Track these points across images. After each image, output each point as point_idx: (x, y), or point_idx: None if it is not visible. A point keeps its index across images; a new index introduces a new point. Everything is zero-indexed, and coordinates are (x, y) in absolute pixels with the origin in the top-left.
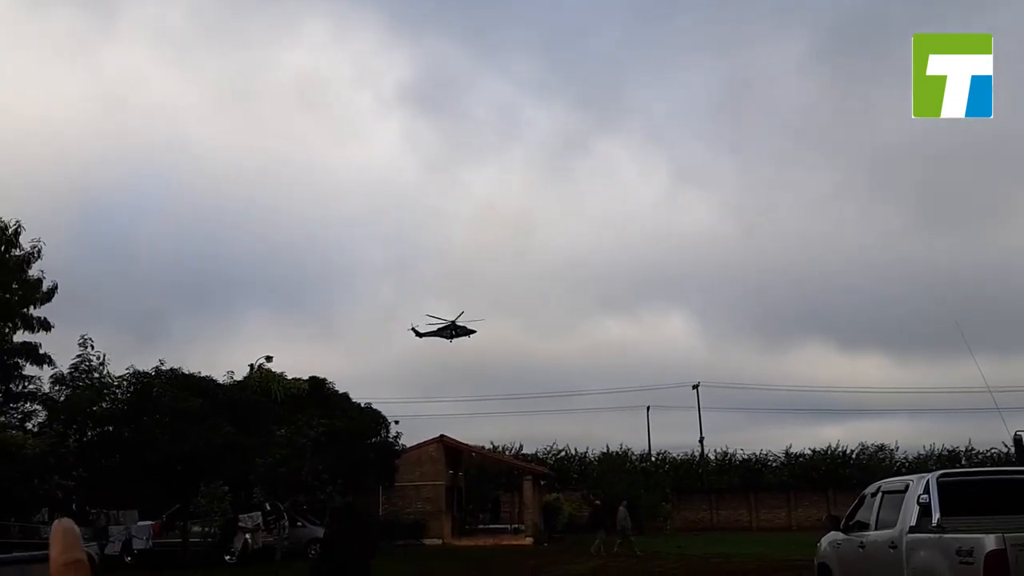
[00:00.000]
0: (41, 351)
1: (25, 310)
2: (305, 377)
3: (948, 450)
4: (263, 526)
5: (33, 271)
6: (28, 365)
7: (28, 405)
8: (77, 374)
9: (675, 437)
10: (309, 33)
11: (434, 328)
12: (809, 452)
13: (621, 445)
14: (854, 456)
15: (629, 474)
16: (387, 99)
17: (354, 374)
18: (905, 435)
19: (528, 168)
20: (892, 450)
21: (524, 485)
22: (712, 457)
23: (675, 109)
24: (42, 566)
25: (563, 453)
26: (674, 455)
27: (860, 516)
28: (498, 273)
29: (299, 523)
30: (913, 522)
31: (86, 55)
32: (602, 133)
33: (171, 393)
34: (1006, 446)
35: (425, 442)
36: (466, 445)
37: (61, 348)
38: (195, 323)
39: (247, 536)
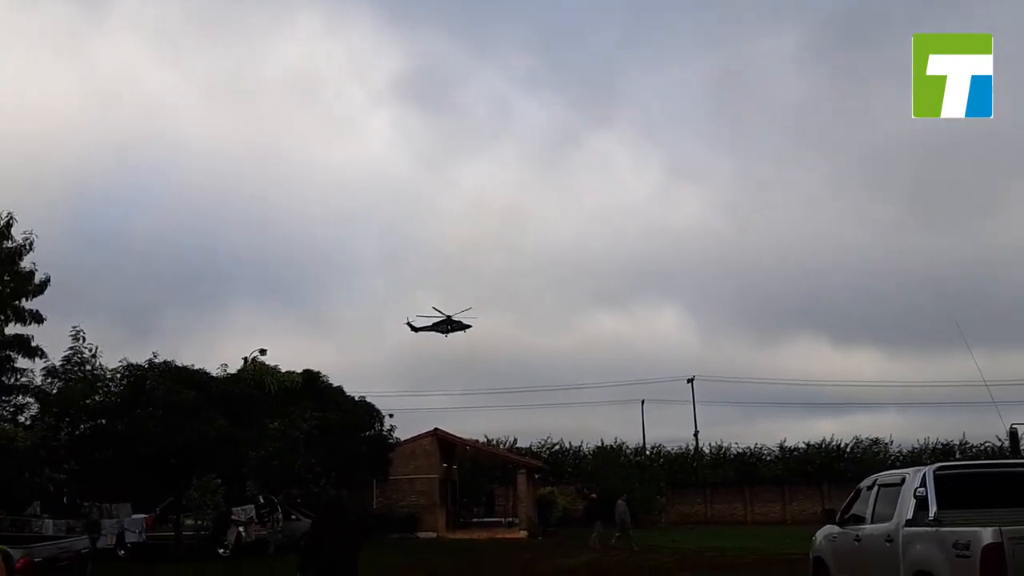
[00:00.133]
0: (33, 344)
1: (17, 302)
2: (299, 370)
3: (942, 444)
4: (256, 519)
5: (25, 263)
6: (20, 358)
7: (20, 398)
8: (69, 367)
9: (670, 431)
10: (302, 27)
11: (430, 323)
12: (803, 446)
13: (616, 439)
14: (848, 450)
15: (624, 468)
16: (380, 93)
17: (348, 368)
18: (899, 429)
19: (521, 162)
20: (886, 444)
21: (518, 479)
22: (707, 451)
23: (669, 104)
24: None
25: (558, 447)
26: (669, 449)
27: (856, 509)
28: (491, 267)
29: (293, 516)
30: (909, 515)
31: (79, 48)
32: (596, 127)
33: (164, 386)
34: (1000, 440)
35: (419, 435)
36: (460, 439)
37: (54, 341)
38: (189, 316)
39: (240, 529)
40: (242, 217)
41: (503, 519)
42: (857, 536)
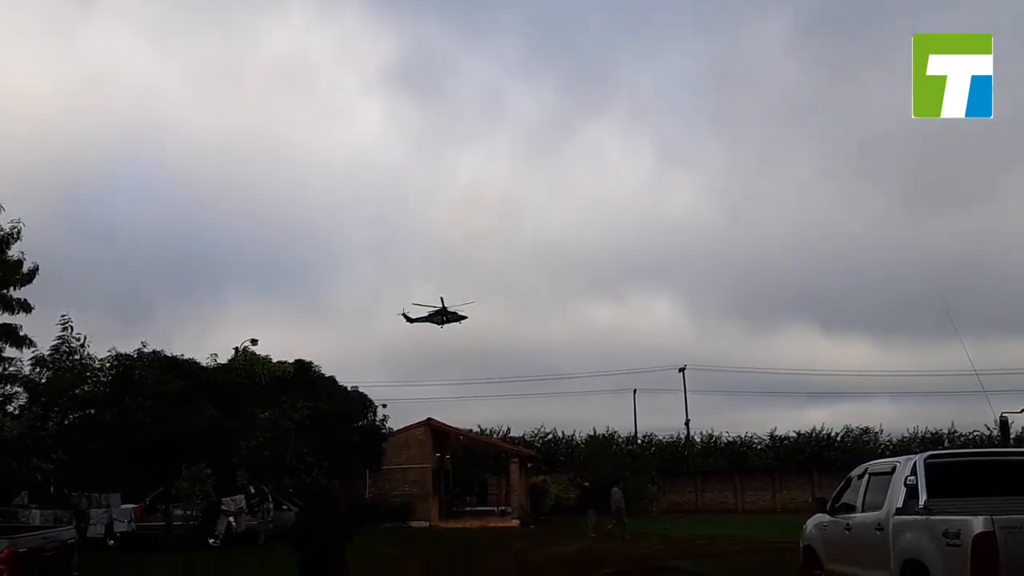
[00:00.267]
0: (21, 333)
1: (4, 291)
2: (291, 360)
3: (931, 433)
4: (246, 509)
5: (13, 252)
6: (8, 347)
7: (8, 387)
8: (58, 356)
9: (661, 420)
10: (294, 13)
11: (425, 314)
12: (794, 435)
13: (608, 428)
14: (839, 439)
15: (615, 457)
16: (371, 80)
17: (341, 357)
18: (889, 418)
19: (513, 150)
20: (876, 433)
21: (511, 468)
22: (698, 440)
23: (662, 91)
24: None
25: (550, 436)
26: (660, 438)
27: (846, 498)
28: (484, 256)
29: (284, 506)
30: (900, 504)
31: (68, 36)
32: (588, 115)
33: (153, 376)
34: (988, 428)
35: (412, 425)
36: (453, 428)
37: (43, 330)
38: (180, 306)
39: (230, 519)
40: (233, 206)
41: (496, 508)
42: (847, 525)
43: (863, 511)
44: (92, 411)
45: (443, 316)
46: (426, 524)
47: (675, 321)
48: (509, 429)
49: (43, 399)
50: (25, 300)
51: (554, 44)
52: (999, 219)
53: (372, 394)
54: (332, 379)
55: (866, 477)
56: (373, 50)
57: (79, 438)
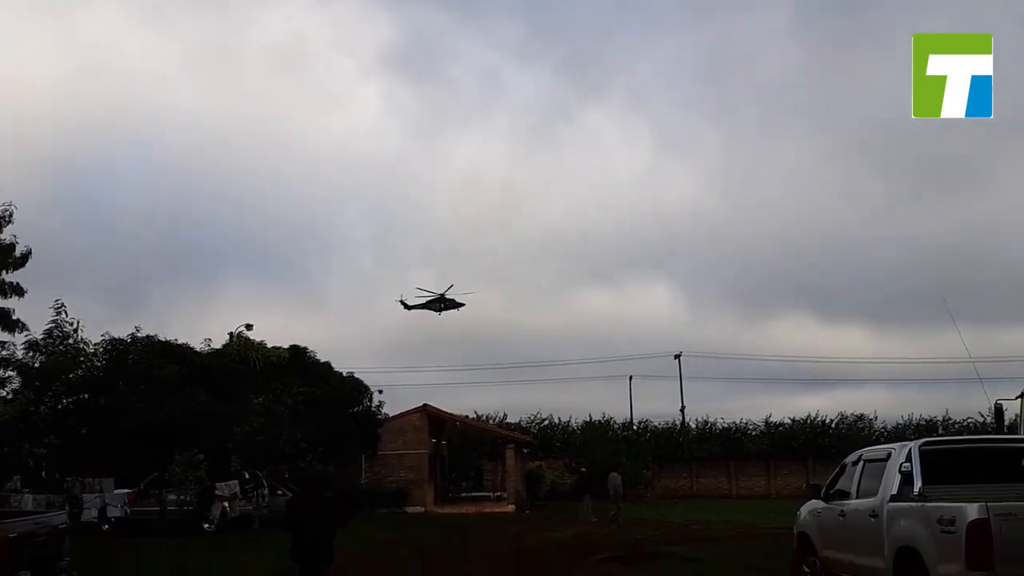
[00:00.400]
0: (14, 317)
1: None
2: (286, 346)
3: (926, 420)
4: (240, 494)
5: (5, 235)
6: (0, 331)
7: (1, 371)
8: (51, 340)
9: (657, 406)
10: None
11: (423, 301)
12: (789, 421)
13: (604, 414)
14: (833, 425)
15: (611, 442)
16: (369, 64)
17: (337, 343)
18: (884, 405)
19: (511, 136)
20: (871, 420)
21: (507, 453)
22: (693, 426)
23: (659, 77)
24: None
25: (546, 422)
26: (656, 424)
27: (841, 484)
28: (482, 242)
29: (279, 491)
30: (894, 491)
31: (60, 18)
32: (586, 101)
33: (147, 360)
34: (983, 416)
35: (408, 411)
36: (449, 414)
37: (37, 315)
38: (176, 291)
39: (225, 504)
40: (230, 190)
41: (492, 493)
42: (842, 511)
43: (858, 498)
44: (85, 396)
45: (441, 303)
46: (422, 510)
47: (671, 308)
48: (505, 415)
49: (36, 383)
50: (17, 284)
51: (551, 28)
52: (997, 208)
53: (368, 380)
54: (327, 365)
55: (861, 464)
56: (370, 34)
57: (72, 423)
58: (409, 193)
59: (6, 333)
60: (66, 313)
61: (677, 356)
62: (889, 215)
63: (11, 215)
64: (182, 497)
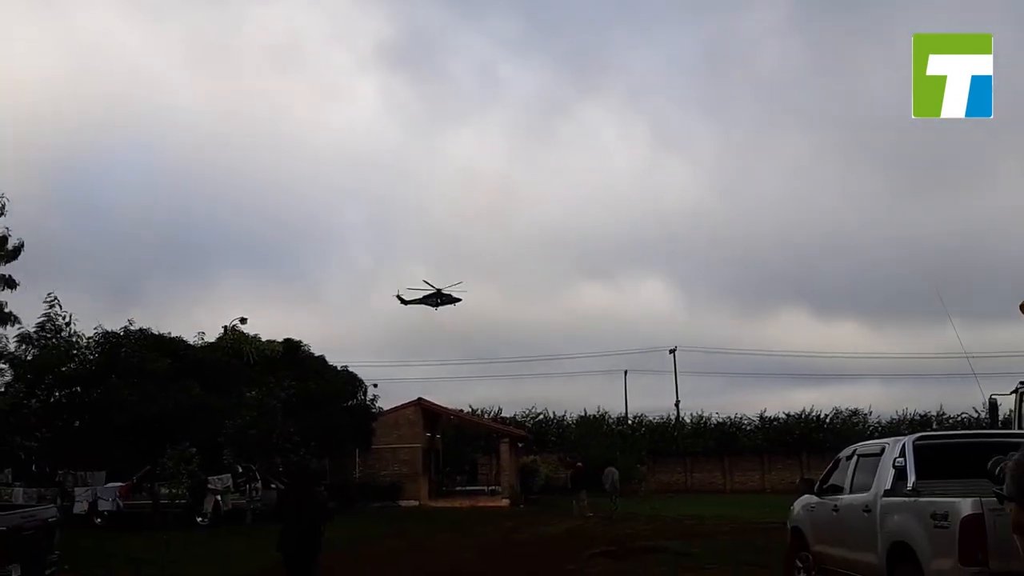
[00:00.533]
0: (6, 310)
1: None
2: (280, 339)
3: (920, 415)
4: (233, 488)
5: None
6: None
7: None
8: (44, 333)
9: (652, 401)
10: None
11: (419, 296)
12: (784, 416)
13: (599, 408)
14: (828, 420)
15: (606, 437)
16: (366, 58)
17: (332, 338)
18: (878, 400)
19: (508, 131)
20: (866, 415)
21: (501, 448)
22: (688, 421)
23: (658, 74)
24: None
25: (541, 416)
26: (650, 418)
27: (834, 479)
28: (478, 238)
29: (273, 485)
30: (888, 485)
31: (57, 10)
32: (582, 96)
33: (140, 354)
34: (977, 411)
35: (402, 405)
36: (444, 408)
37: (30, 308)
38: (170, 285)
39: (217, 498)
40: (225, 184)
41: (486, 488)
42: (835, 506)
43: (851, 492)
44: (78, 389)
45: (438, 298)
46: (416, 503)
47: (666, 303)
48: (500, 409)
49: (28, 376)
50: (10, 276)
51: (550, 24)
52: (992, 204)
53: (363, 374)
54: (322, 359)
55: (854, 458)
56: (368, 30)
57: (65, 416)
58: (406, 188)
59: None
60: (59, 307)
61: (672, 351)
62: (885, 212)
63: (3, 207)
64: (174, 491)
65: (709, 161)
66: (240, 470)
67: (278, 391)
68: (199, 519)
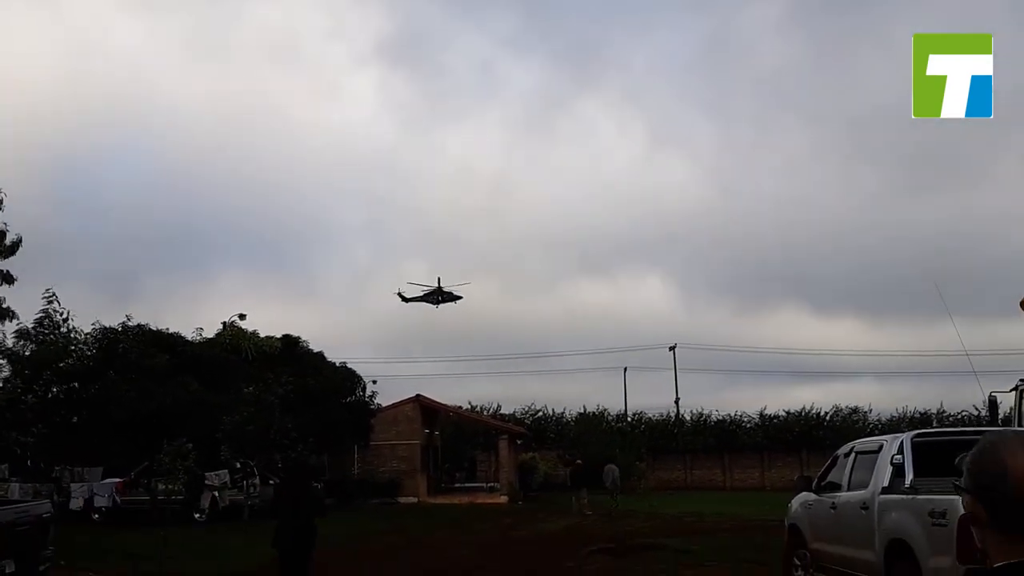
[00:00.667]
0: (4, 305)
1: None
2: (278, 335)
3: (920, 413)
4: (230, 484)
5: None
6: None
7: None
8: (42, 329)
9: (651, 398)
10: None
11: (420, 293)
12: (784, 414)
13: (598, 406)
14: (828, 418)
15: (605, 434)
16: (363, 54)
17: (331, 334)
18: (878, 398)
19: (506, 127)
20: (865, 412)
21: (500, 444)
22: (688, 418)
23: (655, 69)
24: None
25: (540, 413)
26: (650, 416)
27: (832, 477)
28: (476, 234)
29: (271, 481)
30: (886, 483)
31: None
32: (581, 92)
33: (138, 349)
34: (977, 409)
35: (401, 401)
36: (442, 405)
37: (28, 304)
38: (170, 282)
39: (214, 494)
40: (223, 180)
41: (485, 484)
42: (833, 503)
43: (849, 490)
44: (76, 384)
45: (438, 296)
46: (415, 500)
47: (666, 300)
48: (499, 406)
49: (26, 372)
50: (8, 272)
51: (547, 19)
52: (992, 201)
53: (362, 371)
54: (320, 355)
55: (852, 456)
56: (364, 24)
57: (62, 411)
58: (403, 184)
59: None
60: (58, 302)
61: (672, 348)
62: (885, 209)
63: (0, 202)
64: (170, 487)
65: (708, 158)
66: (238, 466)
67: (276, 387)
68: (197, 515)
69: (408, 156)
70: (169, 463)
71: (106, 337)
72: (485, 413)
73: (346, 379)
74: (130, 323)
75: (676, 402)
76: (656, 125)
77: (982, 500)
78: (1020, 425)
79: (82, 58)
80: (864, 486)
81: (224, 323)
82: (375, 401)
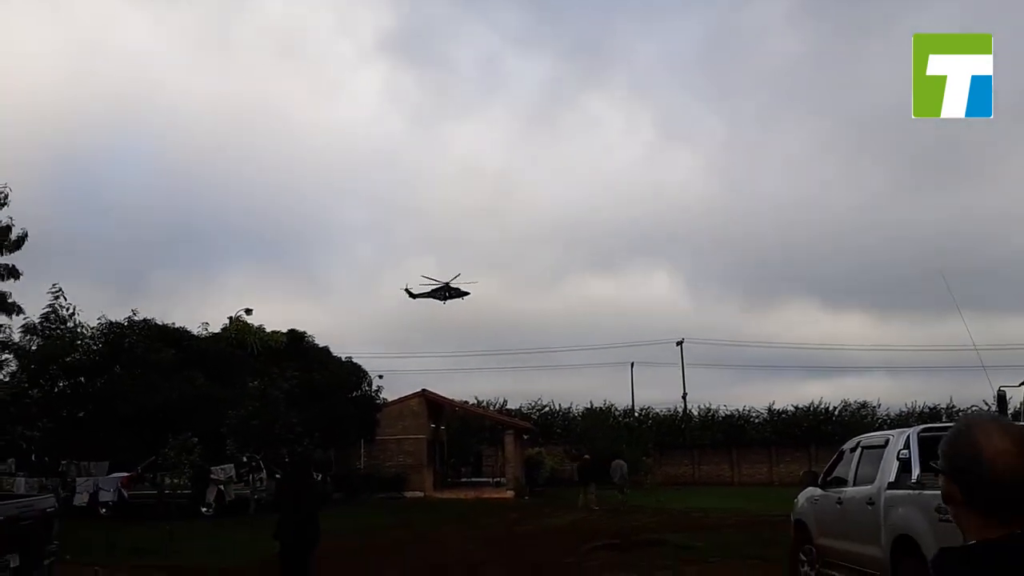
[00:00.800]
0: (10, 300)
1: None
2: (284, 330)
3: (929, 407)
4: (236, 478)
5: (0, 217)
6: None
7: None
8: (49, 324)
9: (659, 393)
10: None
11: (428, 289)
12: (792, 409)
13: (605, 401)
14: (837, 413)
15: (612, 429)
16: (368, 49)
17: (337, 329)
18: (887, 392)
19: (512, 122)
20: (874, 407)
21: (506, 439)
22: (695, 413)
23: (661, 64)
24: None
25: (547, 408)
26: (658, 411)
27: (839, 472)
28: (482, 229)
29: (277, 475)
30: (892, 478)
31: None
32: (587, 87)
33: (143, 344)
34: (987, 404)
35: (407, 396)
36: (448, 399)
37: (36, 298)
38: (178, 277)
39: (220, 487)
40: (229, 176)
41: (491, 479)
42: (839, 499)
43: (855, 485)
44: (82, 379)
45: (446, 292)
46: (421, 495)
47: (673, 295)
48: (506, 401)
49: (32, 367)
50: (13, 266)
51: (553, 14)
52: (1000, 196)
53: (368, 365)
54: (326, 349)
55: (859, 450)
56: (370, 19)
57: (68, 406)
58: (409, 179)
59: (2, 316)
60: (64, 297)
61: (679, 343)
62: (891, 202)
63: (6, 197)
64: (175, 481)
65: (714, 151)
66: (244, 460)
67: (281, 382)
68: (203, 509)
69: (414, 151)
70: (174, 457)
71: (112, 332)
72: (491, 408)
73: (352, 374)
74: (136, 318)
75: (684, 397)
76: (663, 120)
77: (957, 481)
78: None
79: (87, 53)
80: (870, 481)
81: (230, 318)
82: (381, 396)
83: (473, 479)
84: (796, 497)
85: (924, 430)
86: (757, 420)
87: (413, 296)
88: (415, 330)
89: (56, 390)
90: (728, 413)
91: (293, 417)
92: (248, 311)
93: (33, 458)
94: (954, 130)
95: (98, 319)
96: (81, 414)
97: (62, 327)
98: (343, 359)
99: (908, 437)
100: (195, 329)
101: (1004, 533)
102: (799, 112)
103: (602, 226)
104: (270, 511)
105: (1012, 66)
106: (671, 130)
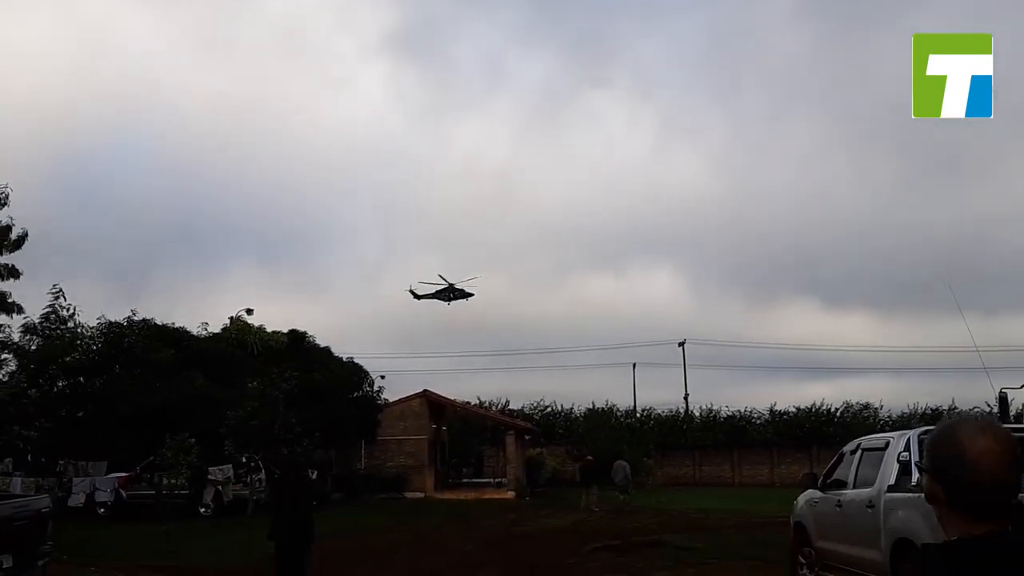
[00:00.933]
0: (9, 300)
1: None
2: (284, 330)
3: (931, 409)
4: (234, 479)
5: (0, 217)
6: None
7: None
8: (48, 324)
9: (661, 394)
10: None
11: (432, 290)
12: (794, 410)
13: (607, 402)
14: (838, 414)
15: (614, 430)
16: (371, 47)
17: (338, 329)
18: (889, 394)
19: (515, 120)
20: (876, 408)
21: (507, 440)
22: (697, 414)
23: (665, 61)
24: None
25: (548, 409)
26: (659, 412)
27: (838, 474)
28: (485, 228)
29: (276, 475)
30: (892, 480)
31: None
32: (590, 85)
33: (143, 344)
34: (989, 405)
35: (408, 396)
36: (450, 400)
37: (36, 298)
38: (176, 277)
39: (218, 488)
40: (231, 175)
41: (492, 480)
42: (838, 501)
43: (854, 487)
44: (81, 379)
45: (451, 293)
46: (422, 495)
47: (675, 295)
48: (507, 402)
49: (32, 366)
50: (13, 266)
51: (556, 11)
52: (1004, 196)
53: (369, 366)
54: (327, 350)
55: (859, 453)
56: (373, 16)
57: (67, 406)
58: (412, 178)
59: (2, 315)
60: (64, 298)
61: (681, 344)
62: (895, 202)
63: (7, 197)
64: (173, 481)
65: (717, 149)
66: (243, 461)
67: (280, 382)
68: (201, 509)
69: (417, 149)
70: (172, 457)
71: (112, 332)
72: (493, 408)
73: (353, 374)
74: (136, 318)
75: (685, 398)
76: (666, 118)
77: (940, 481)
78: None
79: (90, 51)
80: (870, 484)
81: (231, 318)
82: (382, 396)
83: (474, 480)
84: (795, 500)
85: (924, 432)
86: (759, 421)
87: (418, 297)
88: (417, 330)
89: (55, 390)
90: (730, 414)
91: (292, 417)
92: (249, 311)
93: (30, 458)
94: (959, 128)
95: (97, 319)
96: (80, 414)
97: (62, 327)
98: (344, 359)
99: (908, 439)
100: (195, 329)
101: (987, 531)
102: (803, 110)
103: (605, 224)
104: (268, 511)
105: (1012, 66)
106: (675, 128)
